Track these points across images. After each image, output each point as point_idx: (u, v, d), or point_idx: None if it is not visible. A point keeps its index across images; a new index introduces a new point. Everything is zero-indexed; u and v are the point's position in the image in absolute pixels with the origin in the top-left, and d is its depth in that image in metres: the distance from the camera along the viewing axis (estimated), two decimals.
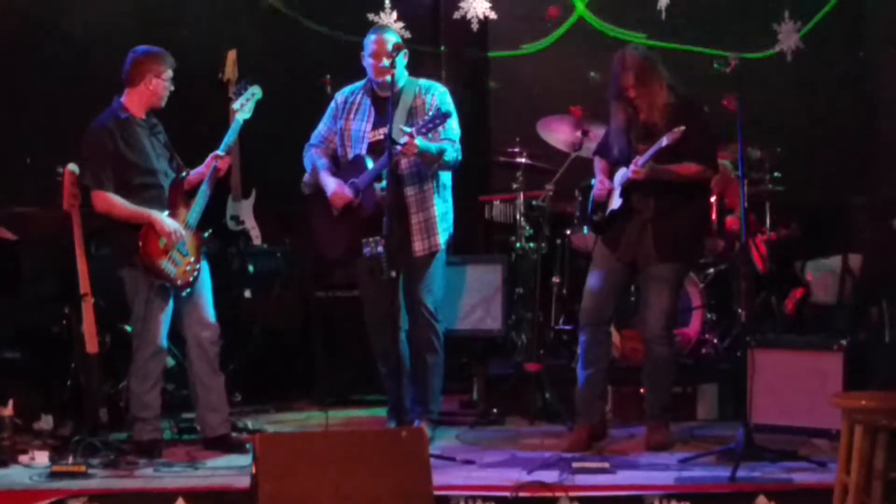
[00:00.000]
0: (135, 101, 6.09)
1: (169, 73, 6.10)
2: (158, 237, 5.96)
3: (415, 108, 6.20)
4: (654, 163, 5.84)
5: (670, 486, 5.23)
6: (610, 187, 6.09)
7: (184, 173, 6.19)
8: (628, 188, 5.97)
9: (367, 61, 6.22)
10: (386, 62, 6.10)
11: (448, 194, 6.35)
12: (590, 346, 6.11)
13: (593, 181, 6.26)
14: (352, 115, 6.33)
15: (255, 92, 6.26)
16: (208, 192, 6.14)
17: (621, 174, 6.01)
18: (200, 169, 6.14)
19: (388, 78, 6.07)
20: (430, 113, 6.03)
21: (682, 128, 5.72)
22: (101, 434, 6.04)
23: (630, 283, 6.28)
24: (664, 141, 5.75)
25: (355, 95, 6.38)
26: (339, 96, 6.45)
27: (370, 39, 6.22)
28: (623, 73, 5.96)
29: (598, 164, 6.28)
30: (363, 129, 6.27)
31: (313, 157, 6.37)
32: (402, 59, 6.20)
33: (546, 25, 8.36)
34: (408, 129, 5.90)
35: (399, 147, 5.87)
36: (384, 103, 6.12)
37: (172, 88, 6.14)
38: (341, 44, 7.66)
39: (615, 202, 6.03)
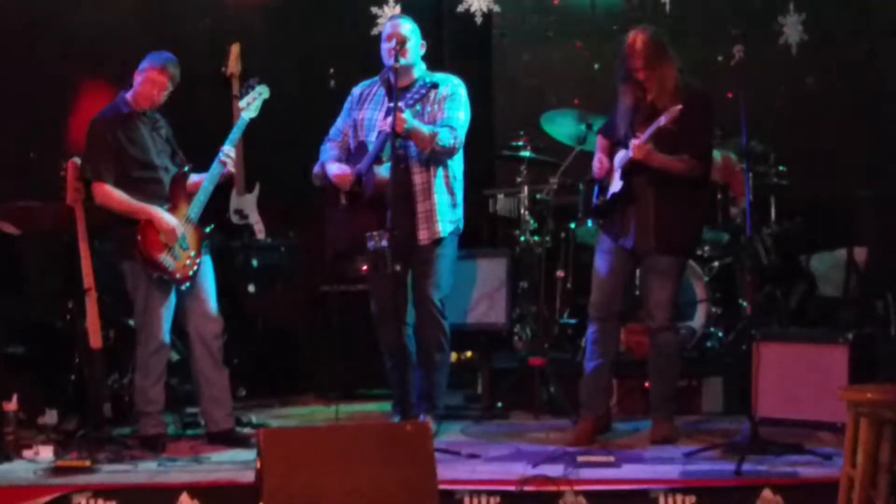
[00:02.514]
0: (134, 98, 6.10)
1: (155, 75, 6.03)
2: (157, 230, 5.96)
3: (427, 99, 6.19)
4: (654, 145, 5.81)
5: (675, 479, 5.22)
6: (608, 166, 6.08)
7: (186, 167, 6.19)
8: (628, 171, 5.95)
9: (382, 46, 6.20)
10: (398, 45, 6.09)
11: (458, 187, 6.32)
12: (598, 339, 6.10)
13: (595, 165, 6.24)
14: (366, 105, 6.34)
15: (263, 91, 6.26)
16: (211, 187, 6.13)
17: (621, 156, 5.98)
18: (204, 175, 6.14)
19: (403, 61, 6.07)
20: (417, 85, 6.00)
21: (679, 107, 5.68)
22: (105, 429, 6.02)
23: (635, 270, 6.25)
24: (662, 120, 5.72)
25: (371, 87, 6.39)
26: (356, 89, 6.46)
27: (387, 27, 6.25)
28: (632, 55, 5.91)
29: (600, 142, 6.26)
30: (375, 117, 6.27)
31: (326, 151, 6.39)
32: (417, 48, 6.20)
33: (549, 19, 8.35)
34: (401, 105, 5.90)
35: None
36: (394, 89, 6.09)
37: (160, 91, 6.07)
38: None
39: (616, 184, 6.01)
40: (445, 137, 6.10)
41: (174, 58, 6.12)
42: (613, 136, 6.15)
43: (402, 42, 6.10)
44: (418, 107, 6.08)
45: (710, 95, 6.14)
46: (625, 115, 6.03)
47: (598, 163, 6.14)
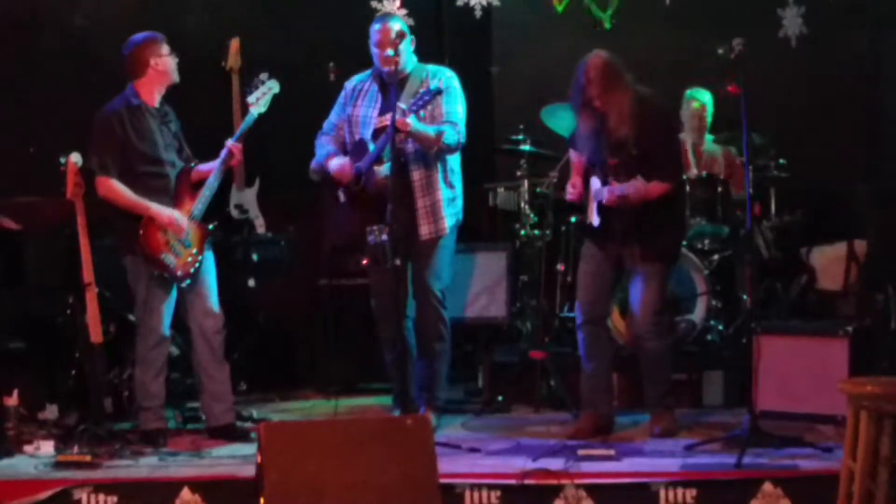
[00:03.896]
0: (146, 89, 6.09)
1: (166, 48, 6.07)
2: (160, 226, 5.95)
3: (420, 93, 6.18)
4: (623, 172, 5.83)
5: (676, 472, 5.23)
6: (581, 191, 6.06)
7: (192, 164, 6.19)
8: (604, 206, 5.95)
9: (373, 50, 6.22)
10: (390, 52, 6.09)
11: (457, 179, 6.33)
12: (590, 344, 6.10)
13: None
14: (360, 102, 6.34)
15: (273, 87, 6.26)
16: (216, 184, 6.14)
17: (597, 188, 5.98)
18: (211, 164, 6.13)
19: (394, 67, 6.06)
20: (420, 92, 6.00)
21: (639, 181, 5.75)
22: (105, 423, 6.01)
23: (621, 272, 6.23)
24: (630, 188, 5.78)
25: (364, 83, 6.39)
26: (349, 84, 6.45)
27: (374, 28, 6.22)
28: (587, 85, 5.88)
29: (574, 158, 6.22)
30: (370, 114, 6.27)
31: (322, 145, 6.38)
32: (408, 46, 6.19)
33: (548, 12, 8.33)
34: (403, 107, 5.90)
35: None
36: (391, 89, 6.10)
37: (177, 59, 6.11)
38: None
39: (594, 219, 6.00)
40: (451, 135, 6.10)
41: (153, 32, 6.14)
42: (583, 152, 6.15)
43: (394, 47, 6.07)
44: (423, 113, 6.05)
45: (668, 108, 6.17)
46: (587, 140, 6.01)
47: (570, 187, 6.12)
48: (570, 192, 6.14)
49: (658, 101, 6.03)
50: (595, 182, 6.02)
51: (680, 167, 6.18)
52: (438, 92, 6.03)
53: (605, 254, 6.06)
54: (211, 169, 6.13)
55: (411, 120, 5.92)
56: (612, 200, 5.87)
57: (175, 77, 6.13)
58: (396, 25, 6.18)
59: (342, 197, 6.24)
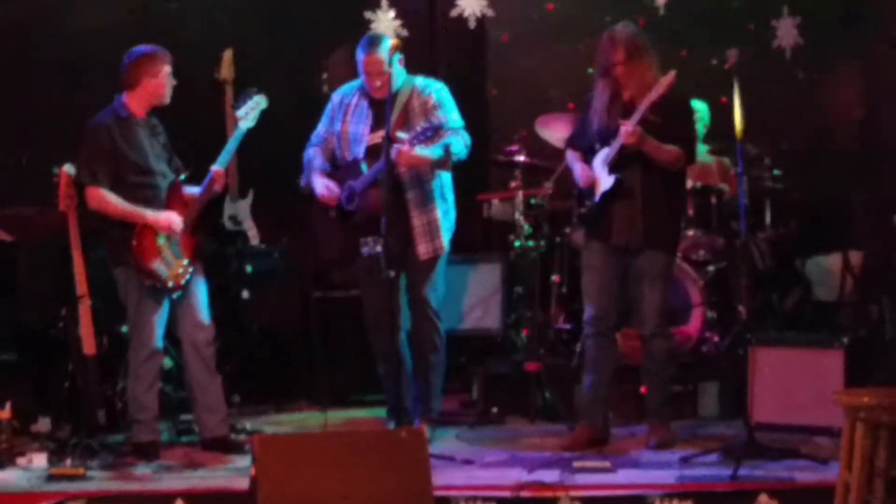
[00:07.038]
0: (135, 102, 6.07)
1: (166, 70, 6.06)
2: (153, 236, 5.94)
3: (411, 109, 6.17)
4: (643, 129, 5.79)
5: (672, 484, 5.22)
6: (591, 174, 6.03)
7: (182, 175, 6.17)
8: (615, 165, 5.91)
9: (361, 76, 6.19)
10: (378, 83, 6.10)
11: (448, 192, 6.32)
12: (596, 354, 6.07)
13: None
14: (349, 117, 6.30)
15: (260, 101, 6.24)
16: (204, 202, 6.13)
17: (603, 154, 5.95)
18: (196, 189, 6.13)
19: (383, 94, 6.06)
20: (422, 125, 5.96)
21: (673, 72, 5.72)
22: (99, 436, 6.02)
23: (625, 275, 6.21)
24: (653, 94, 5.72)
25: (352, 96, 6.34)
26: (336, 96, 6.42)
27: (360, 58, 6.17)
28: (613, 50, 5.91)
29: (572, 154, 6.21)
30: (360, 131, 6.24)
31: (310, 157, 6.37)
32: (396, 64, 6.16)
33: (543, 23, 8.34)
34: (404, 136, 5.87)
35: (394, 151, 5.86)
36: (382, 105, 6.09)
37: (174, 82, 6.10)
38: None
39: (605, 182, 5.94)
40: (457, 144, 6.10)
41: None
42: (584, 144, 6.12)
43: (381, 79, 6.08)
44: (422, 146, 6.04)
45: (687, 90, 6.15)
46: (601, 112, 6.00)
47: (581, 171, 6.08)
48: (582, 179, 6.05)
49: (679, 85, 6.05)
50: (601, 152, 5.98)
51: (696, 145, 6.19)
52: (441, 127, 6.01)
53: (609, 254, 6.01)
54: (195, 194, 6.12)
55: (417, 150, 5.90)
56: (633, 132, 5.75)
57: (166, 100, 6.10)
58: (384, 52, 6.11)
59: (332, 213, 6.22)
